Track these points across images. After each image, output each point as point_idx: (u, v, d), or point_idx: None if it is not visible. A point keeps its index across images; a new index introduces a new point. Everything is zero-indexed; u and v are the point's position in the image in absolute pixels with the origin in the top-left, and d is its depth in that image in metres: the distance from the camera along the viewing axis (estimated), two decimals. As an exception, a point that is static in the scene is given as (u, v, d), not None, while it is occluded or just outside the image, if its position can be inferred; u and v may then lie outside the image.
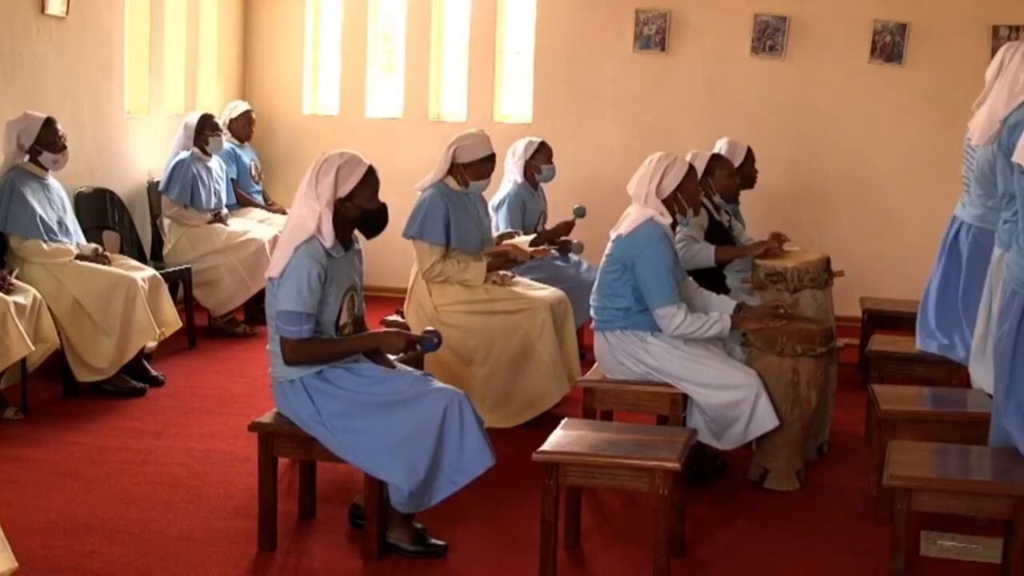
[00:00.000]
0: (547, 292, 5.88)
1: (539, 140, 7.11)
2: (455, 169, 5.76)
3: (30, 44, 6.70)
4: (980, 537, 4.40)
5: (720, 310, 4.99)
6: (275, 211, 8.32)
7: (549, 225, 6.97)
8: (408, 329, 5.17)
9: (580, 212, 6.70)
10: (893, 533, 3.90)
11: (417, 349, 4.36)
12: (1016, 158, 3.94)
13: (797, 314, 5.08)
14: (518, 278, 6.03)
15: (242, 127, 8.39)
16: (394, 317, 6.12)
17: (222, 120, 8.10)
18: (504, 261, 5.89)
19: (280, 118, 9.19)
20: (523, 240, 6.34)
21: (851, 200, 8.51)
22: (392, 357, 4.35)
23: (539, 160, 7.04)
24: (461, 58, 9.15)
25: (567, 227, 6.71)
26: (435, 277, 5.70)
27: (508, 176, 7.09)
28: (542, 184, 7.12)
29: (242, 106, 8.47)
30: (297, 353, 4.07)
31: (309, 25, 9.26)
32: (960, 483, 3.85)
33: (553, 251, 6.57)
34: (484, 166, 5.80)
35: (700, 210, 5.42)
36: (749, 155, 6.37)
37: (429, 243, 5.66)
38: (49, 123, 6.10)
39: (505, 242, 6.22)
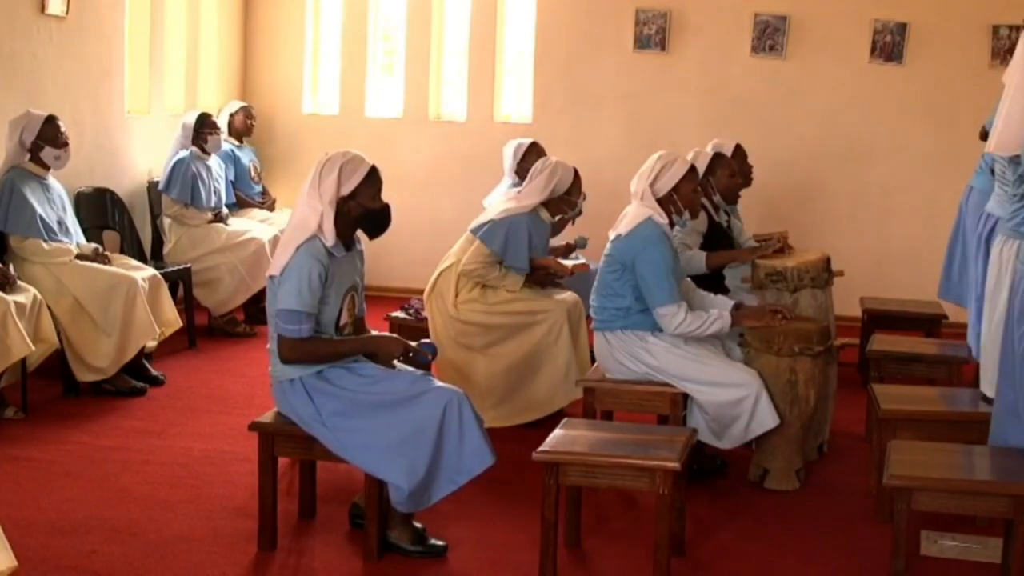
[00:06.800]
0: (564, 296, 5.84)
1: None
2: (553, 202, 5.88)
3: (30, 44, 6.69)
4: (980, 537, 4.40)
5: (719, 309, 4.98)
6: (270, 201, 8.32)
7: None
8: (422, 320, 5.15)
9: (581, 243, 6.73)
10: (893, 533, 3.90)
11: (411, 357, 4.29)
12: None
13: (796, 315, 5.08)
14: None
15: (241, 125, 8.39)
16: (398, 314, 6.12)
17: (220, 121, 8.09)
18: (545, 275, 5.89)
19: (280, 118, 9.19)
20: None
21: (851, 200, 8.51)
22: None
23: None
24: (461, 58, 9.14)
25: (567, 250, 6.71)
26: (476, 277, 5.70)
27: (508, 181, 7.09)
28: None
29: (238, 104, 8.50)
30: (295, 352, 4.07)
31: (309, 25, 9.26)
32: (960, 483, 3.85)
33: (592, 264, 6.60)
34: (575, 190, 6.00)
35: (699, 213, 5.40)
36: (739, 152, 6.33)
37: (491, 250, 5.68)
38: (51, 120, 6.11)
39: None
